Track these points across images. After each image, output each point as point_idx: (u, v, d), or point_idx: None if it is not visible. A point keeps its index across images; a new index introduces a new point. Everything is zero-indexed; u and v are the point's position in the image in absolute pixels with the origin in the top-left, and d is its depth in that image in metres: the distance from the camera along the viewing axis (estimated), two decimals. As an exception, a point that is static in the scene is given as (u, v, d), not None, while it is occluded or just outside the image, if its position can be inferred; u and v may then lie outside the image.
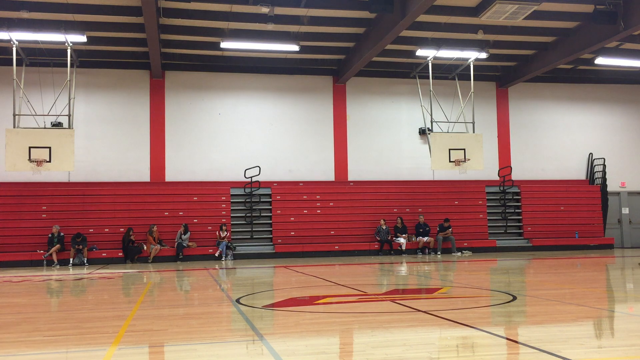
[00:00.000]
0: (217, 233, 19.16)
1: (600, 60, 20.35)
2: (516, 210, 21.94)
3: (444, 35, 18.58)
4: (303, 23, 17.28)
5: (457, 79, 20.20)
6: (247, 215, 20.16)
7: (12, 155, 16.14)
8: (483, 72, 21.68)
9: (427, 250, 20.08)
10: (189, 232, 18.91)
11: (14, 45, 16.64)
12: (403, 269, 14.25)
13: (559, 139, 23.11)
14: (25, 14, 15.97)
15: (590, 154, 23.19)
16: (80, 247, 17.86)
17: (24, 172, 17.38)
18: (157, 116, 20.36)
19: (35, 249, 18.16)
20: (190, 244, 19.07)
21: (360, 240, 20.27)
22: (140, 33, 17.37)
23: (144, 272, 14.50)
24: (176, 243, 18.74)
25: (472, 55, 19.05)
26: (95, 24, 17.08)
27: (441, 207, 21.06)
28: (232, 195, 20.12)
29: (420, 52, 19.01)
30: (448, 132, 19.07)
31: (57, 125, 18.35)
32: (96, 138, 19.89)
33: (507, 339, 5.15)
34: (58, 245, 17.78)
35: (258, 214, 20.27)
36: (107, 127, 20.06)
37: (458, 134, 18.78)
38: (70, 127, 16.96)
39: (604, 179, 22.77)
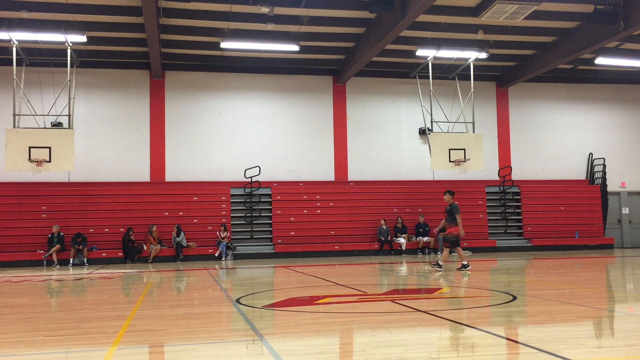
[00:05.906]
0: (217, 233, 19.16)
1: (600, 60, 20.36)
2: (516, 210, 21.95)
3: (444, 35, 18.58)
4: (303, 23, 17.28)
5: (457, 79, 20.21)
6: (247, 215, 20.16)
7: (12, 155, 16.16)
8: (483, 72, 21.67)
9: (427, 250, 20.08)
10: (182, 233, 18.88)
11: (14, 45, 16.64)
12: (403, 269, 14.24)
13: (559, 139, 23.11)
14: (25, 14, 15.98)
15: (590, 154, 23.19)
16: (80, 247, 17.87)
17: (24, 172, 17.39)
18: (157, 116, 20.36)
19: (35, 249, 18.17)
20: (190, 244, 19.06)
21: (360, 240, 20.28)
22: (140, 33, 17.38)
23: (144, 272, 14.49)
24: (174, 244, 18.74)
25: (472, 55, 19.05)
26: (95, 24, 17.08)
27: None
28: (232, 195, 20.12)
29: (420, 52, 19.01)
30: (448, 132, 19.08)
31: (57, 125, 18.36)
32: (96, 138, 19.89)
33: (507, 339, 5.15)
34: (58, 246, 17.79)
35: (258, 214, 20.27)
36: (107, 127, 20.06)
37: (458, 134, 18.78)
38: (70, 127, 16.97)
39: (604, 179, 22.78)
